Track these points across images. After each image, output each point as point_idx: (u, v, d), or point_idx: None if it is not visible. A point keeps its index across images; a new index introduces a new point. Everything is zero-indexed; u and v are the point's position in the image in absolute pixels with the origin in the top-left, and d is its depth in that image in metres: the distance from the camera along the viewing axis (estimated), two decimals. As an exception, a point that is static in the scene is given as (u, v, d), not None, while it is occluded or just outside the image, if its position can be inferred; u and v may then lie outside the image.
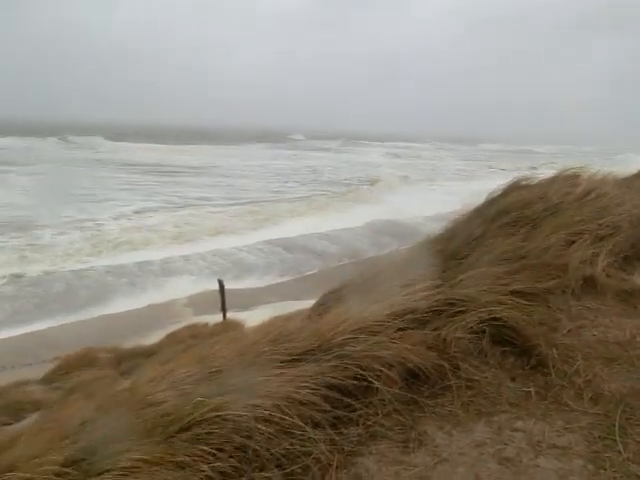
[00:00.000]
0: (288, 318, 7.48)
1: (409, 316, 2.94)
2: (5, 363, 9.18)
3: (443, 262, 4.46)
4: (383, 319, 2.85)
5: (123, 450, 1.90)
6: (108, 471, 1.78)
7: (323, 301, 5.45)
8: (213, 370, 2.56)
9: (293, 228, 27.61)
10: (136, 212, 31.16)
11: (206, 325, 12.25)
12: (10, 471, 3.36)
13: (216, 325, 12.37)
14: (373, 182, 46.92)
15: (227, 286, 14.12)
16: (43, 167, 47.15)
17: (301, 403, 2.08)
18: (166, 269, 19.95)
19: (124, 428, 2.06)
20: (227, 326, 11.61)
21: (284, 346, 2.77)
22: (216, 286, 14.54)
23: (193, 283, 17.82)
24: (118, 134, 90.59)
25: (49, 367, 8.07)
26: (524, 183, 5.50)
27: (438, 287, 3.49)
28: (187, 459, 1.78)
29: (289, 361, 2.45)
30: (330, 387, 2.22)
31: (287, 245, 24.13)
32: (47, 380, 7.56)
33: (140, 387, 2.66)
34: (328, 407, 2.15)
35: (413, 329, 2.82)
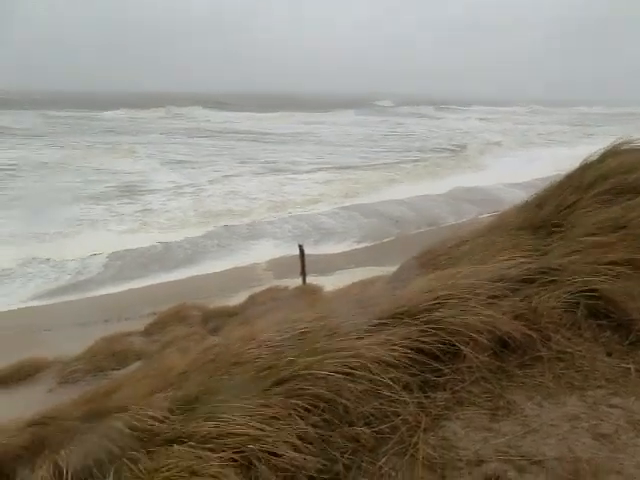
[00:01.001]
0: (367, 283, 7.55)
1: (498, 284, 2.87)
2: (111, 316, 10.07)
3: (532, 231, 4.29)
4: (471, 286, 2.80)
5: (221, 400, 2.03)
6: (209, 419, 1.92)
7: (405, 268, 5.44)
8: (301, 331, 2.66)
9: (379, 195, 27.62)
10: (232, 176, 32.75)
11: (286, 288, 12.56)
12: (119, 411, 3.72)
13: (296, 289, 12.65)
14: (463, 148, 45.49)
15: (307, 251, 14.38)
16: (155, 137, 50.70)
17: (390, 365, 2.12)
18: (252, 233, 20.71)
19: (221, 380, 2.21)
20: (306, 290, 11.86)
21: (370, 310, 2.82)
22: (296, 251, 14.85)
23: (275, 247, 18.38)
24: (216, 103, 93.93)
25: (148, 321, 8.75)
26: (626, 147, 5.10)
27: (528, 256, 3.37)
28: (282, 411, 1.88)
29: (377, 324, 2.49)
30: (418, 351, 2.24)
31: (366, 211, 24.13)
32: (146, 333, 8.21)
33: (232, 344, 2.82)
34: (416, 370, 2.17)
35: (502, 297, 2.75)
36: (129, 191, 28.30)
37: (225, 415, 1.90)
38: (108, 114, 73.77)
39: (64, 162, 35.92)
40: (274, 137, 53.73)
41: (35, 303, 13.29)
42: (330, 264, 16.50)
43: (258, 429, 1.81)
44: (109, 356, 7.07)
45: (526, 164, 34.22)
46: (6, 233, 19.53)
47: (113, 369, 6.87)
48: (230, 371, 2.23)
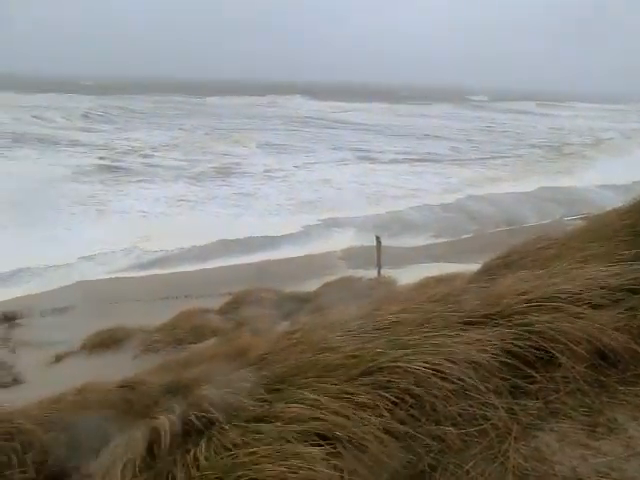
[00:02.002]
0: (444, 280, 7.37)
1: (597, 292, 2.69)
2: (191, 292, 10.56)
3: (634, 238, 3.99)
4: (567, 292, 2.64)
5: (307, 385, 2.05)
6: (296, 402, 1.93)
7: (488, 267, 5.24)
8: (385, 324, 2.63)
9: (463, 189, 27.04)
10: (320, 163, 33.78)
11: (360, 279, 12.52)
12: (201, 383, 3.86)
13: (370, 280, 12.59)
14: (562, 146, 43.42)
15: (383, 243, 14.27)
16: (255, 123, 53.61)
17: (480, 366, 2.05)
18: (333, 221, 20.88)
19: (307, 365, 2.22)
20: (381, 282, 11.76)
21: (454, 308, 2.74)
22: (371, 241, 14.79)
23: (352, 236, 18.41)
24: (313, 92, 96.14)
25: (224, 300, 9.06)
26: None
27: (630, 264, 3.13)
28: (369, 402, 1.86)
29: (466, 323, 2.41)
30: (510, 354, 2.15)
31: (445, 205, 23.62)
32: (222, 311, 8.51)
33: (316, 330, 2.83)
34: (507, 374, 2.08)
35: (603, 307, 2.58)
36: (224, 173, 29.74)
37: (312, 400, 1.91)
38: (212, 100, 77.69)
39: (170, 143, 38.32)
40: (368, 127, 54.22)
41: (128, 274, 14.18)
42: (405, 257, 16.31)
43: (344, 417, 1.81)
44: (188, 330, 7.39)
45: (628, 166, 32.01)
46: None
47: (191, 342, 7.17)
48: (315, 357, 2.24)
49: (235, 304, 8.71)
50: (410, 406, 1.87)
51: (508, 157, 38.59)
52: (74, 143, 38.12)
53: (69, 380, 5.24)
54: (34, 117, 50.95)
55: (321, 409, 1.85)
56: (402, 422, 1.83)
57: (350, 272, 14.35)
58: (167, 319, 7.73)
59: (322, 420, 1.80)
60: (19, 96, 68.56)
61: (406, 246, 18.15)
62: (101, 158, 32.33)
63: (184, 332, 7.31)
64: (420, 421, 1.85)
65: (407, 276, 11.74)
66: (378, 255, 14.15)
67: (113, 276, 14.07)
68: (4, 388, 6.07)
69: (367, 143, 43.16)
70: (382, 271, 14.01)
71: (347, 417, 1.80)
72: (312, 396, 1.92)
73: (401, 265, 15.37)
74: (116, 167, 30.41)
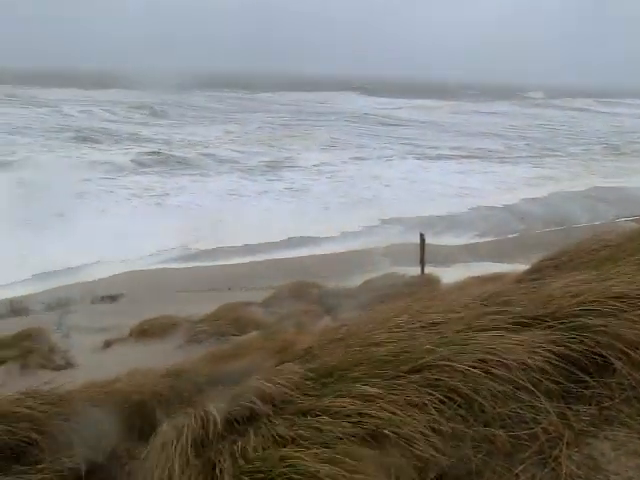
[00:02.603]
0: (489, 280, 7.22)
1: (657, 296, 2.57)
2: (234, 285, 10.75)
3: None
4: (624, 295, 2.54)
5: (355, 379, 2.05)
6: (344, 396, 1.94)
7: (537, 268, 5.10)
8: (433, 321, 2.60)
9: (512, 188, 26.45)
10: (369, 159, 34.15)
11: (403, 276, 12.42)
12: (242, 374, 3.92)
13: (413, 277, 12.47)
14: (622, 146, 41.79)
15: (427, 240, 14.10)
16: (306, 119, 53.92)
17: (531, 368, 1.99)
18: (384, 220, 20.78)
19: (354, 359, 2.22)
20: (424, 280, 11.63)
21: (503, 308, 2.68)
22: (415, 239, 14.63)
23: (395, 235, 18.28)
24: (370, 89, 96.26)
25: (267, 293, 9.18)
26: None
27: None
28: (417, 400, 1.85)
29: (515, 324, 2.36)
30: (563, 358, 2.08)
31: (491, 204, 23.12)
32: (265, 304, 8.61)
33: (362, 325, 2.83)
34: (559, 378, 2.02)
35: (664, 312, 2.46)
36: (276, 167, 30.49)
37: (359, 395, 1.91)
38: (266, 96, 79.40)
39: (225, 138, 39.32)
40: (421, 124, 53.88)
41: (177, 265, 14.56)
42: (449, 256, 16.10)
43: (392, 413, 1.80)
44: (231, 322, 7.51)
45: None
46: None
47: (233, 334, 7.28)
48: (363, 352, 2.24)
49: (278, 298, 8.80)
50: (458, 405, 1.85)
51: (562, 156, 37.42)
52: (134, 137, 39.44)
53: (117, 365, 5.44)
54: (102, 111, 53.12)
55: (369, 405, 1.85)
56: (450, 421, 1.81)
57: (393, 269, 14.25)
58: (211, 310, 7.88)
59: (370, 416, 1.80)
60: (84, 91, 71.43)
61: (450, 244, 17.89)
62: (158, 152, 33.35)
63: (227, 324, 7.43)
64: (468, 421, 1.83)
65: (450, 275, 11.57)
66: (422, 253, 13.96)
67: (162, 267, 14.46)
68: (58, 371, 6.34)
69: (419, 140, 43.01)
70: (425, 269, 13.85)
71: (395, 414, 1.80)
72: (360, 391, 1.92)
73: (445, 263, 15.18)
74: (172, 160, 31.38)
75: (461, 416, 1.83)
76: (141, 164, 29.97)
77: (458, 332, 2.32)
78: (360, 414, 1.84)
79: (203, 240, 16.88)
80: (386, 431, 1.75)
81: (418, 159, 34.57)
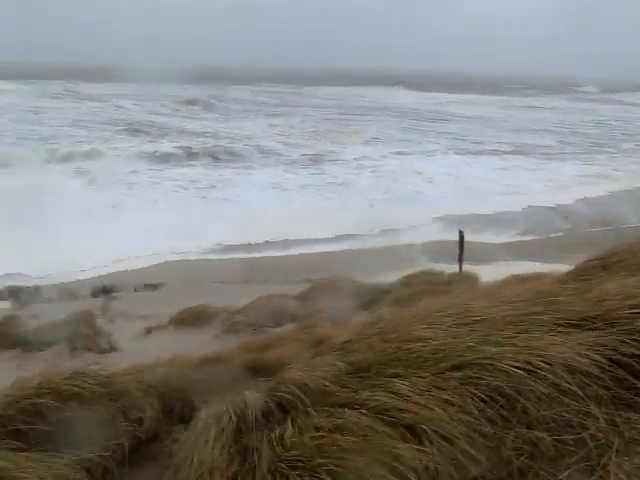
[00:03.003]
0: (531, 279, 7.03)
1: None
2: (271, 277, 10.86)
3: None
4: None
5: (394, 374, 2.03)
6: (382, 390, 1.92)
7: (582, 268, 4.94)
8: (474, 319, 2.55)
9: (558, 186, 25.75)
10: (410, 154, 33.88)
11: (441, 273, 12.28)
12: (280, 366, 3.95)
13: (451, 275, 12.31)
14: None
15: (466, 238, 13.88)
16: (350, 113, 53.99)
17: (579, 371, 1.93)
18: (416, 212, 20.55)
19: (393, 354, 2.20)
20: (462, 277, 11.45)
21: (550, 308, 2.60)
22: (453, 236, 14.43)
23: (434, 229, 18.04)
24: (418, 83, 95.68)
25: (303, 287, 9.22)
26: None
27: None
28: (457, 398, 1.81)
29: (561, 325, 2.28)
30: (613, 362, 2.00)
31: (535, 201, 22.51)
32: (301, 297, 8.66)
33: (401, 320, 2.80)
34: (609, 383, 1.94)
35: None
36: (317, 160, 30.84)
37: (398, 389, 1.89)
38: (307, 90, 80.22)
39: (269, 131, 39.76)
40: (470, 119, 53.16)
41: (216, 256, 14.79)
42: (489, 253, 15.80)
43: (431, 410, 1.77)
44: (266, 313, 7.59)
45: None
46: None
47: (269, 326, 7.36)
48: (402, 347, 2.22)
49: (314, 291, 8.83)
50: (500, 406, 1.80)
51: (615, 153, 36.06)
52: (181, 130, 40.40)
53: (158, 352, 5.58)
54: (150, 105, 54.64)
55: (408, 401, 1.83)
56: (491, 422, 1.76)
57: (431, 266, 14.11)
58: (247, 302, 7.98)
59: (409, 412, 1.78)
60: (131, 86, 73.45)
61: (490, 242, 17.54)
62: (204, 145, 33.94)
63: (262, 315, 7.52)
64: (510, 422, 1.78)
65: (489, 273, 11.37)
66: (460, 250, 13.76)
67: (203, 258, 14.70)
68: (103, 354, 6.57)
69: (466, 135, 42.32)
70: (464, 266, 13.65)
71: (434, 411, 1.77)
72: (399, 387, 1.90)
73: (484, 261, 14.93)
74: (218, 153, 32.02)
75: (503, 417, 1.78)
76: (188, 156, 30.70)
77: (501, 330, 2.26)
78: (398, 409, 1.82)
79: (244, 232, 17.04)
80: (425, 427, 1.73)
81: (462, 154, 34.06)
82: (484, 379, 1.87)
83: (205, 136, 38.09)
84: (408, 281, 10.42)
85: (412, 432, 1.74)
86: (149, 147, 32.83)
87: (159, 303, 9.14)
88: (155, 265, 13.46)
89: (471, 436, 1.71)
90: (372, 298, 8.75)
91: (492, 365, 1.90)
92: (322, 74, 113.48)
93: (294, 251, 14.96)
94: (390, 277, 11.25)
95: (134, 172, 26.32)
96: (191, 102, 58.57)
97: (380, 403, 1.85)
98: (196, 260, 14.29)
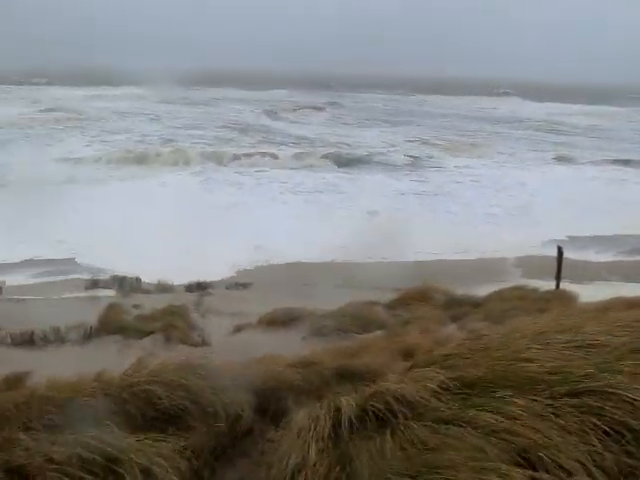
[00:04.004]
0: (636, 303, 6.47)
1: None
2: (360, 284, 10.87)
3: None
4: None
5: (501, 394, 1.94)
6: (490, 410, 1.84)
7: None
8: (588, 342, 2.38)
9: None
10: (519, 164, 32.86)
11: (535, 290, 11.68)
12: (370, 374, 3.92)
13: (546, 292, 11.67)
14: None
15: (565, 254, 13.10)
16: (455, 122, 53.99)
17: None
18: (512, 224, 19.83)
19: (500, 373, 2.11)
20: (560, 295, 10.81)
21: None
22: (550, 252, 13.70)
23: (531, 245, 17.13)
24: (525, 93, 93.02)
25: (392, 295, 9.13)
26: None
27: None
28: (575, 426, 1.70)
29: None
30: None
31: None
32: (390, 306, 8.58)
33: (507, 337, 2.67)
34: None
35: None
36: (418, 165, 31.37)
37: (508, 411, 1.80)
38: (416, 98, 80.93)
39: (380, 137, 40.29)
40: (582, 131, 50.54)
41: (309, 260, 14.94)
42: (589, 272, 14.81)
43: (546, 436, 1.67)
44: (355, 319, 7.58)
45: None
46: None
47: (356, 332, 7.34)
48: (510, 366, 2.11)
49: (404, 300, 8.71)
50: (627, 441, 1.66)
51: None
52: (287, 135, 41.78)
53: (247, 350, 5.74)
54: (262, 109, 57.11)
55: (520, 424, 1.74)
56: (615, 457, 1.63)
57: (524, 281, 13.48)
58: (336, 306, 8.01)
59: (522, 436, 1.69)
60: (244, 92, 77.34)
61: (592, 260, 16.43)
62: (319, 150, 34.84)
63: (351, 321, 7.51)
64: (638, 460, 1.63)
65: (590, 293, 10.67)
66: (559, 266, 13.03)
67: (296, 261, 14.86)
68: (195, 347, 6.87)
69: (578, 147, 40.13)
70: (561, 284, 12.92)
71: (550, 438, 1.66)
72: (510, 408, 1.81)
73: (583, 280, 14.02)
74: (325, 158, 32.61)
75: (629, 453, 1.64)
76: (296, 159, 31.64)
77: (622, 358, 2.09)
78: (509, 432, 1.73)
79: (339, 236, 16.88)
80: (539, 453, 1.63)
81: (570, 166, 32.35)
82: (606, 409, 1.73)
83: (309, 140, 39.11)
84: (500, 296, 10.00)
85: (525, 457, 1.65)
86: (267, 148, 34.32)
87: (249, 302, 9.43)
88: (249, 264, 13.92)
89: (591, 470, 1.59)
90: (462, 311, 8.48)
91: (615, 395, 1.76)
92: (424, 82, 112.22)
93: (385, 259, 14.75)
94: (481, 290, 10.85)
95: (244, 174, 27.67)
96: (307, 107, 60.29)
97: (489, 423, 1.77)
98: (288, 263, 14.53)
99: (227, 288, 11.36)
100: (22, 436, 2.47)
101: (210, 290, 10.92)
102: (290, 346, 6.45)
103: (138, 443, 2.22)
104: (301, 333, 7.44)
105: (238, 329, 7.98)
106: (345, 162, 31.91)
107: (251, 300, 9.85)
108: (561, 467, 1.59)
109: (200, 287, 11.06)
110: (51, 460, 2.16)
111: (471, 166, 31.26)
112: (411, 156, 33.98)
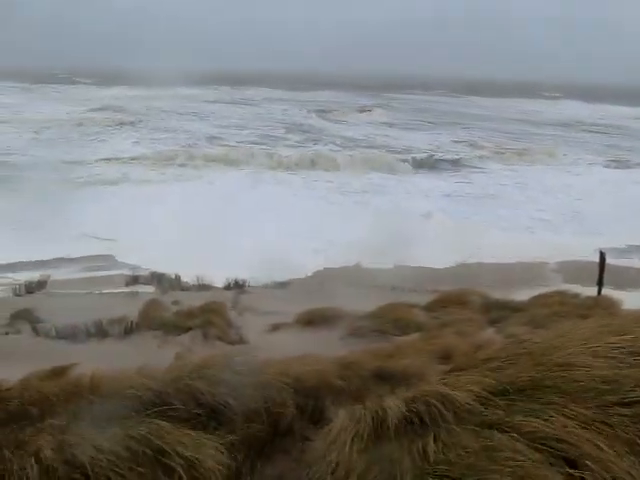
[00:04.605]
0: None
1: None
2: (398, 285, 10.83)
3: None
4: None
5: (549, 401, 1.90)
6: (537, 417, 1.81)
7: None
8: (639, 349, 2.31)
9: None
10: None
11: (576, 295, 11.39)
12: (405, 374, 3.91)
13: (587, 298, 11.37)
14: None
15: (608, 260, 12.72)
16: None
17: None
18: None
19: (546, 379, 2.07)
20: (602, 302, 10.51)
21: None
22: (593, 257, 13.35)
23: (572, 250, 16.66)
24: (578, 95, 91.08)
25: (430, 297, 9.05)
26: None
27: None
28: (626, 436, 1.65)
29: None
30: None
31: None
32: (428, 308, 8.50)
33: (548, 344, 2.62)
34: None
35: None
36: (466, 167, 31.47)
37: (556, 419, 1.77)
38: (466, 100, 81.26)
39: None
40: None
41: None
42: (634, 279, 14.33)
43: (597, 446, 1.63)
44: (392, 321, 7.55)
45: None
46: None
47: (393, 334, 7.30)
48: (557, 373, 2.07)
49: (442, 303, 8.62)
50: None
51: None
52: (335, 136, 41.90)
53: (284, 348, 5.78)
54: (308, 109, 57.55)
55: (568, 432, 1.70)
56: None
57: (565, 286, 13.15)
58: (374, 307, 7.99)
59: (570, 444, 1.66)
60: (294, 93, 78.18)
61: (637, 266, 15.92)
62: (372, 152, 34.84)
63: (388, 323, 7.48)
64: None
65: (634, 300, 10.34)
66: (600, 272, 12.68)
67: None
68: (232, 345, 6.96)
69: (631, 151, 38.90)
70: (604, 290, 12.56)
71: (600, 448, 1.63)
72: (557, 415, 1.78)
73: (627, 287, 13.59)
74: (364, 161, 32.41)
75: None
76: (343, 160, 31.58)
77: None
78: (557, 440, 1.70)
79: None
80: (589, 464, 1.59)
81: (620, 169, 31.38)
82: (660, 420, 1.68)
83: (355, 141, 39.12)
84: (540, 301, 9.79)
85: (573, 467, 1.62)
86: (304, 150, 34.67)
87: (286, 301, 9.50)
88: (283, 263, 13.98)
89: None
90: (501, 315, 8.33)
91: (670, 405, 1.71)
92: (459, 83, 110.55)
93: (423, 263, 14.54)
94: (520, 295, 10.65)
95: (292, 174, 28.19)
96: (354, 108, 60.25)
97: (536, 430, 1.74)
98: (325, 263, 14.54)
99: (265, 287, 11.47)
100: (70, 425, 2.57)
101: (247, 288, 11.05)
102: (327, 346, 6.47)
103: (183, 437, 2.28)
104: (338, 334, 7.44)
105: (275, 328, 8.05)
106: (393, 164, 31.71)
107: (288, 299, 9.92)
108: (612, 477, 1.56)
109: (238, 285, 11.21)
110: (100, 450, 2.24)
111: (519, 169, 30.65)
112: (459, 158, 33.73)
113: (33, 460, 2.26)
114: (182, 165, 30.06)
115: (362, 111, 58.76)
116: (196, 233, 14.65)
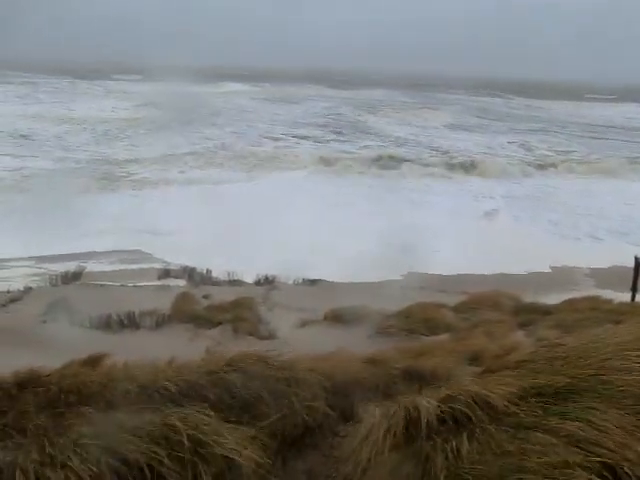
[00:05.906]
0: None
1: None
2: (428, 285, 10.78)
3: None
4: None
5: (586, 404, 1.89)
6: (574, 419, 1.80)
7: None
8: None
9: None
10: None
11: (610, 301, 11.14)
12: (434, 374, 3.90)
13: (621, 304, 11.12)
14: None
15: (644, 265, 12.34)
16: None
17: None
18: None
19: (583, 382, 2.05)
20: (634, 308, 10.28)
21: None
22: (627, 261, 12.99)
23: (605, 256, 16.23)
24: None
25: (460, 299, 8.98)
26: None
27: None
28: (667, 443, 1.63)
29: None
30: None
31: None
32: (458, 310, 8.44)
33: (584, 347, 2.58)
34: None
35: None
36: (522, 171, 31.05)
37: (593, 423, 1.75)
38: (514, 102, 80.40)
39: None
40: None
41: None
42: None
43: (635, 451, 1.61)
44: (421, 321, 7.52)
45: None
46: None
47: (422, 334, 7.28)
48: (594, 377, 2.05)
49: (471, 304, 8.55)
50: None
51: None
52: (388, 136, 42.04)
53: (313, 345, 5.82)
54: (358, 109, 57.61)
55: (606, 436, 1.68)
56: None
57: (597, 292, 12.85)
58: (403, 307, 7.98)
59: (608, 448, 1.64)
60: (344, 91, 78.94)
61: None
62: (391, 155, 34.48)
63: (417, 322, 7.46)
64: None
65: (667, 306, 10.08)
66: (635, 278, 12.35)
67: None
68: (262, 340, 7.05)
69: None
70: (638, 296, 12.23)
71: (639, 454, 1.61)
72: (595, 419, 1.76)
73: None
74: (396, 161, 32.37)
75: None
76: (397, 162, 31.69)
77: None
78: (595, 444, 1.69)
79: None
80: (627, 470, 1.58)
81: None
82: None
83: (391, 140, 39.34)
84: (571, 305, 9.61)
85: (610, 471, 1.60)
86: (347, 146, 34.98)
87: (315, 298, 9.56)
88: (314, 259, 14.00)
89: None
90: (531, 318, 8.22)
91: None
92: (502, 83, 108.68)
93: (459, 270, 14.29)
94: (551, 299, 10.46)
95: (342, 175, 28.25)
96: (409, 107, 60.36)
97: (574, 433, 1.73)
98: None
99: (295, 284, 11.54)
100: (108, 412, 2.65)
101: (278, 284, 11.13)
102: (356, 343, 6.49)
103: (219, 427, 2.33)
104: (367, 331, 7.45)
105: (303, 324, 8.11)
106: (449, 165, 31.61)
107: (317, 296, 9.98)
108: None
109: (269, 281, 11.31)
110: (139, 437, 2.30)
111: (569, 177, 30.21)
112: (512, 161, 33.39)
113: (73, 446, 2.33)
114: (232, 163, 29.97)
115: (416, 109, 58.50)
116: (243, 232, 14.71)
